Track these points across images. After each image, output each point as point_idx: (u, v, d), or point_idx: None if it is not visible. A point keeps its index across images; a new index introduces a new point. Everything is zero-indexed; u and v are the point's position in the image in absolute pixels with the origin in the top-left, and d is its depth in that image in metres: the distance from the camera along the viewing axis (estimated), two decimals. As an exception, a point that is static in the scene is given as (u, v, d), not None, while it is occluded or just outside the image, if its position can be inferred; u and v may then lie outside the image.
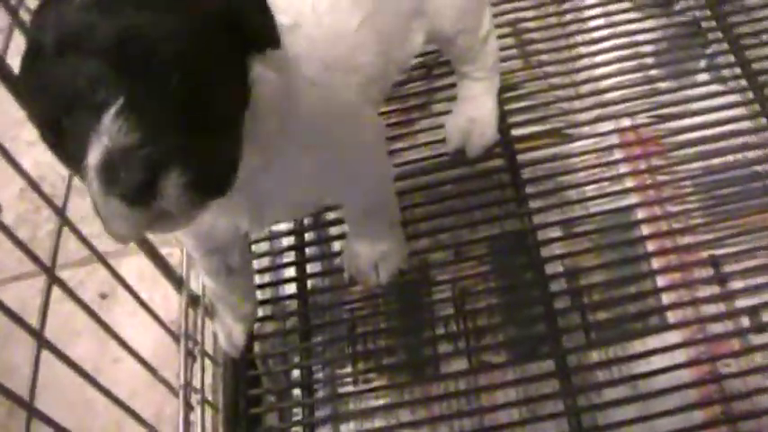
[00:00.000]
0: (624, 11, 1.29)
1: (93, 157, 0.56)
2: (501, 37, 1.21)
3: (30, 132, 0.62)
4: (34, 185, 0.77)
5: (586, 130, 1.18)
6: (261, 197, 0.76)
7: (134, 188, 0.56)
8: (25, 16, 0.80)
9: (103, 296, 1.22)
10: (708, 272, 1.05)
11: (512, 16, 1.30)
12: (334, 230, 1.14)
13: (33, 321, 0.71)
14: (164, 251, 1.02)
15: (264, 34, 0.67)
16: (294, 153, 0.74)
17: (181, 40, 0.59)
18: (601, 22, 1.28)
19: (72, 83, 0.57)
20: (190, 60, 0.59)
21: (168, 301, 1.09)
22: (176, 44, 0.58)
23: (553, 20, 1.30)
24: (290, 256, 1.14)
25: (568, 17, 1.30)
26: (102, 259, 0.86)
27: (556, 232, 1.10)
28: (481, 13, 1.08)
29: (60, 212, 0.80)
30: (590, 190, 1.12)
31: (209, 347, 1.04)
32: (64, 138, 0.59)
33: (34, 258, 0.73)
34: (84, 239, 0.83)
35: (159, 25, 0.58)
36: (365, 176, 0.91)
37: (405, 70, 1.09)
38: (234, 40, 0.64)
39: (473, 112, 1.14)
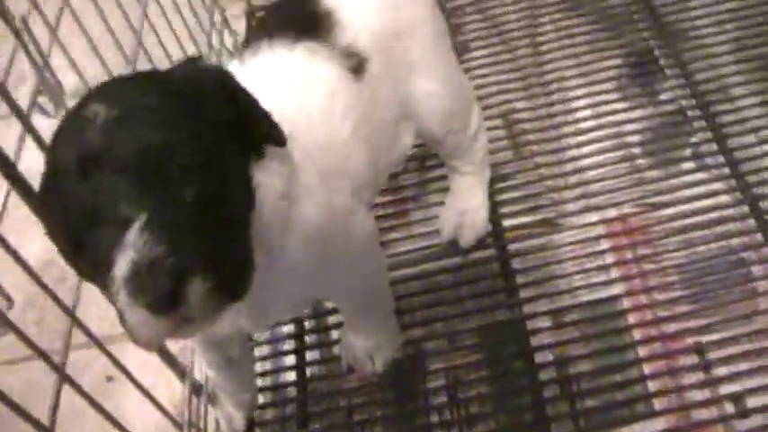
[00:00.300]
0: (612, 101, 1.34)
1: (120, 269, 0.58)
2: (493, 128, 1.25)
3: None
4: (41, 283, 0.80)
5: (574, 220, 1.21)
6: (262, 297, 0.77)
7: (162, 297, 0.58)
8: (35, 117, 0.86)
9: (110, 378, 1.25)
10: (693, 359, 1.07)
11: (504, 107, 1.35)
12: (332, 319, 1.16)
13: (42, 404, 0.74)
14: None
15: (271, 135, 0.72)
16: (293, 253, 0.78)
17: (197, 153, 0.62)
18: (588, 113, 1.32)
19: (95, 200, 0.60)
20: (206, 171, 0.62)
21: (172, 386, 1.11)
22: (193, 157, 0.62)
23: (543, 111, 1.34)
24: (289, 344, 1.17)
25: (557, 108, 1.34)
26: (105, 351, 0.89)
27: (545, 322, 1.12)
28: (469, 114, 1.12)
29: (70, 313, 0.84)
30: (578, 279, 1.15)
31: (210, 433, 1.06)
32: (84, 252, 0.61)
33: (45, 357, 0.76)
34: (90, 335, 0.87)
35: (177, 140, 0.62)
36: (359, 272, 0.94)
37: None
38: (241, 147, 0.69)
39: (464, 204, 1.18)
